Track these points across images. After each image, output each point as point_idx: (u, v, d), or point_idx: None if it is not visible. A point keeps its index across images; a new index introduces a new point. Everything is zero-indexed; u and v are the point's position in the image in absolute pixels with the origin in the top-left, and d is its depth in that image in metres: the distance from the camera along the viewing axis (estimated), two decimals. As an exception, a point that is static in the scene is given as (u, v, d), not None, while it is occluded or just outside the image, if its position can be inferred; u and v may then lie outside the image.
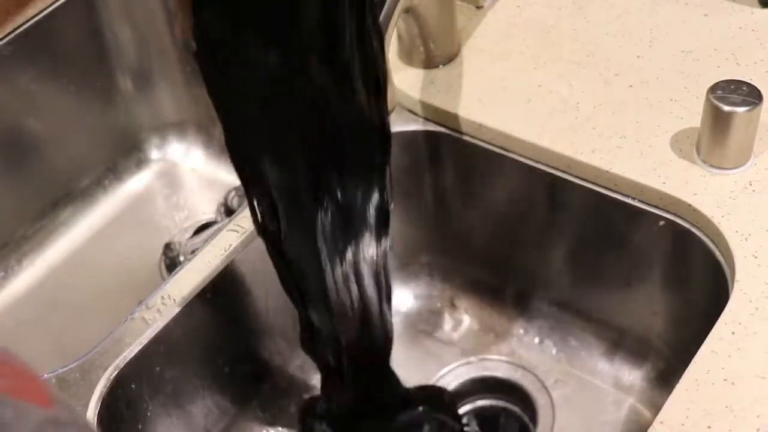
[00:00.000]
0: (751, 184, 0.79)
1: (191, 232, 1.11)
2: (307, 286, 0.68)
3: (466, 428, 0.80)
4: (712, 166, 0.81)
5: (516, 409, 0.96)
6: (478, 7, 0.97)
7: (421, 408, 0.81)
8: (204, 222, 1.13)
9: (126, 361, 0.76)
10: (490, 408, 0.98)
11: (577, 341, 0.97)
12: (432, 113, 0.90)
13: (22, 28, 1.03)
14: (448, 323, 1.01)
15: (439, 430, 0.80)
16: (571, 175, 0.85)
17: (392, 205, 0.66)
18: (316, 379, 0.95)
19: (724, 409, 0.66)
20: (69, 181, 1.14)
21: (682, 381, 0.68)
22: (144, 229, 1.13)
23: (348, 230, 0.64)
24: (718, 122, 0.78)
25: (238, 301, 0.86)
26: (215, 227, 1.05)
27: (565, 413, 0.93)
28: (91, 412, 0.73)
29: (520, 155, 0.87)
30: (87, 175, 1.15)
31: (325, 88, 0.58)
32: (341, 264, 0.65)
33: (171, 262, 1.07)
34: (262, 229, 0.65)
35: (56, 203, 1.13)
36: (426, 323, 1.02)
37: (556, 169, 0.85)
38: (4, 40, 1.02)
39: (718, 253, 0.78)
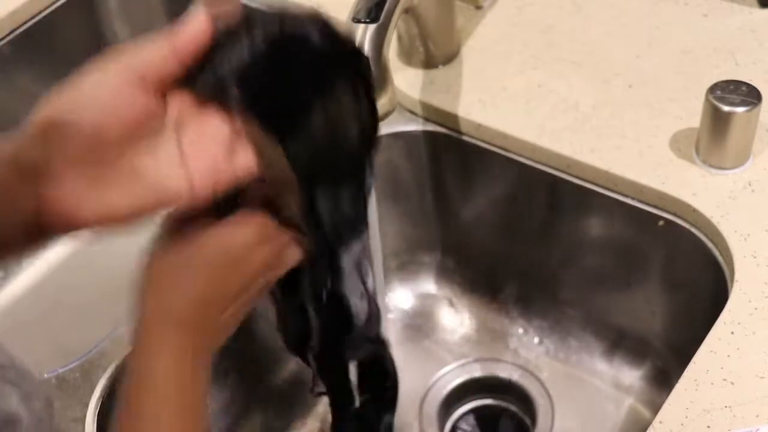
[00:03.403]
0: (750, 184, 0.80)
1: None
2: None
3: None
4: (711, 166, 0.81)
5: (516, 409, 0.97)
6: (478, 8, 0.98)
7: None
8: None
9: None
10: (490, 408, 0.98)
11: (577, 341, 0.98)
12: (432, 113, 0.90)
13: (22, 28, 1.03)
14: (448, 323, 1.02)
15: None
16: (570, 175, 0.85)
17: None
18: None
19: (724, 409, 0.66)
20: (69, 181, 1.14)
21: (681, 381, 0.68)
22: (144, 228, 1.13)
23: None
24: (717, 122, 0.78)
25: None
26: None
27: (564, 413, 0.93)
28: (91, 412, 0.73)
29: (520, 155, 0.87)
30: (87, 175, 1.15)
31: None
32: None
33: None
34: None
35: (56, 203, 1.13)
36: (426, 323, 1.02)
37: (556, 169, 0.85)
38: (4, 40, 1.02)
39: (717, 253, 0.78)
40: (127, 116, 0.52)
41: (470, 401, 0.98)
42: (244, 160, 0.54)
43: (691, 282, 0.85)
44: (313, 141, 0.56)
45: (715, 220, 0.78)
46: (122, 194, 0.52)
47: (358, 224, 0.63)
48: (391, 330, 1.00)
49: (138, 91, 0.52)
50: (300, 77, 0.56)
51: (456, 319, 1.02)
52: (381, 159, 0.91)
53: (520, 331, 0.99)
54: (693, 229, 0.80)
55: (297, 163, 0.56)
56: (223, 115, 0.54)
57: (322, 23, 0.56)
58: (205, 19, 0.54)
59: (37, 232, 0.52)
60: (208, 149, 0.53)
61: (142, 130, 0.52)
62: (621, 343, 0.95)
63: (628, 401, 0.93)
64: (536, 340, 0.99)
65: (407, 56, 0.93)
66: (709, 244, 0.79)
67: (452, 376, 0.98)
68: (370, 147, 0.61)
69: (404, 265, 1.03)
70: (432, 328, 1.02)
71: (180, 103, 0.54)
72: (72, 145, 0.51)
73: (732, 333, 0.70)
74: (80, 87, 0.52)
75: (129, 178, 0.52)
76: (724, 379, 0.67)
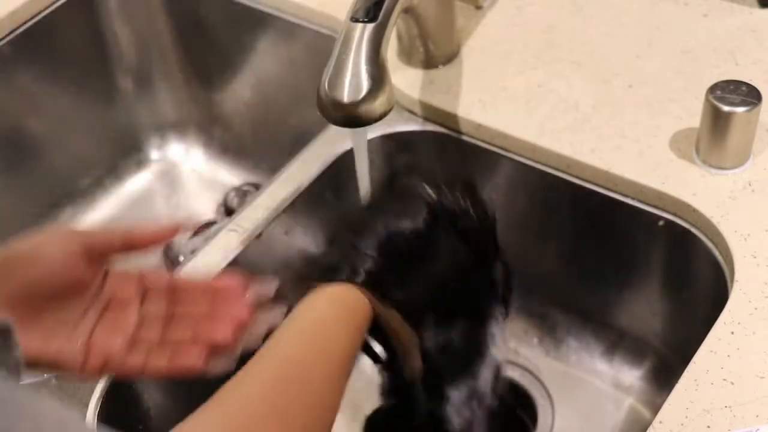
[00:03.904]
0: (750, 184, 0.80)
1: (192, 232, 1.11)
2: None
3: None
4: (711, 166, 0.81)
5: (516, 409, 0.96)
6: (478, 8, 0.98)
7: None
8: (204, 222, 1.13)
9: (126, 361, 0.76)
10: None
11: (577, 341, 0.98)
12: (431, 113, 0.90)
13: (22, 28, 1.03)
14: (447, 323, 1.01)
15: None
16: (570, 175, 0.85)
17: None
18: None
19: (724, 409, 0.66)
20: (69, 181, 1.14)
21: (681, 381, 0.68)
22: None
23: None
24: (717, 122, 0.78)
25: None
26: (215, 227, 1.05)
27: (564, 413, 0.93)
28: (91, 412, 0.73)
29: (520, 155, 0.87)
30: (87, 175, 1.15)
31: None
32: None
33: (171, 262, 1.07)
34: None
35: (56, 203, 1.13)
36: (426, 323, 1.02)
37: (556, 169, 0.85)
38: (4, 40, 1.02)
39: (717, 253, 0.78)
40: (67, 279, 0.60)
41: (470, 401, 0.97)
42: (137, 361, 0.62)
43: (691, 282, 0.85)
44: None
45: (715, 220, 0.77)
46: (32, 344, 0.58)
47: (470, 362, 0.72)
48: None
49: (83, 261, 0.60)
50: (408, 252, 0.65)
51: (456, 319, 1.02)
52: (380, 158, 0.92)
53: (520, 331, 0.99)
54: (693, 229, 0.80)
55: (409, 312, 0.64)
56: (137, 311, 0.63)
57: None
58: (163, 232, 0.65)
59: None
60: (113, 337, 0.61)
61: (75, 295, 0.60)
62: (621, 343, 0.95)
63: (628, 401, 0.93)
64: (536, 340, 0.99)
65: (407, 56, 0.93)
66: (709, 244, 0.79)
67: (452, 376, 0.97)
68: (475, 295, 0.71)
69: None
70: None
71: (115, 285, 0.63)
72: (12, 286, 0.58)
73: (732, 333, 0.70)
74: (39, 242, 0.60)
75: (44, 332, 0.59)
76: (724, 379, 0.67)
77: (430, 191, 0.68)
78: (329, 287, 0.61)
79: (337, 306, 0.61)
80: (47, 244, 0.60)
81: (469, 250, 0.68)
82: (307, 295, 0.61)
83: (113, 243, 0.62)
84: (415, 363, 0.66)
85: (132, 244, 0.63)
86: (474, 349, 0.71)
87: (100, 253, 0.61)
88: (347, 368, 0.58)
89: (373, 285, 0.62)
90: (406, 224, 0.65)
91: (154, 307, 0.63)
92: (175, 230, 0.65)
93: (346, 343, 0.59)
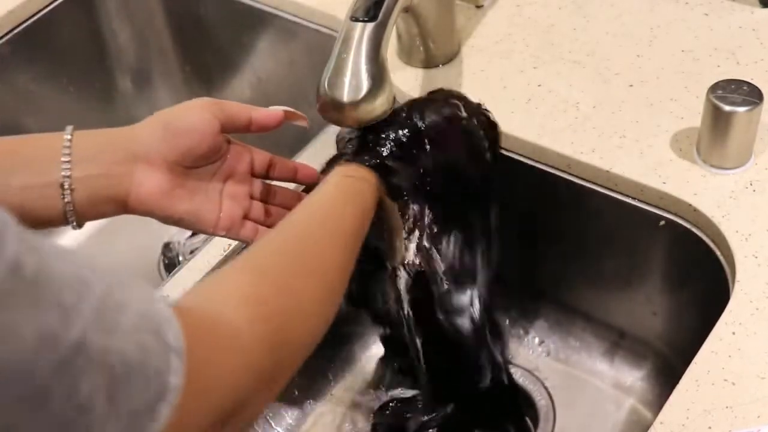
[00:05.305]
0: (751, 184, 0.79)
1: (190, 232, 1.11)
2: None
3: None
4: (712, 166, 0.80)
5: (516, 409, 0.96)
6: (478, 7, 0.97)
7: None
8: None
9: (125, 362, 0.76)
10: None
11: (577, 341, 0.97)
12: (432, 113, 0.90)
13: (21, 28, 1.03)
14: (447, 323, 1.01)
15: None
16: (571, 175, 0.84)
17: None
18: (320, 372, 0.95)
19: (725, 409, 0.66)
20: (68, 180, 1.13)
21: (682, 381, 0.68)
22: (143, 229, 1.13)
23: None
24: (718, 122, 0.78)
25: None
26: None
27: (565, 413, 0.93)
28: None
29: (520, 155, 0.86)
30: (86, 175, 1.15)
31: None
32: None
33: (170, 262, 1.07)
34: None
35: (55, 203, 1.12)
36: (426, 323, 1.01)
37: (556, 168, 0.85)
38: (3, 40, 1.02)
39: (718, 253, 0.78)
40: (208, 147, 0.68)
41: (470, 402, 0.97)
42: (249, 231, 0.71)
43: (692, 282, 0.84)
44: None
45: (716, 220, 0.77)
46: (181, 202, 0.68)
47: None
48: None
49: (219, 131, 0.68)
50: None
51: (456, 319, 1.01)
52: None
53: (520, 331, 0.99)
54: (694, 229, 0.80)
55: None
56: (249, 185, 0.72)
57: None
58: (279, 116, 0.72)
59: (121, 207, 0.68)
60: (236, 207, 0.71)
61: (210, 160, 0.69)
62: (622, 343, 0.95)
63: (629, 402, 0.93)
64: (536, 340, 0.99)
65: (407, 56, 0.93)
66: (711, 244, 0.78)
67: (452, 376, 0.97)
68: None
69: (404, 265, 1.03)
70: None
71: (232, 156, 0.71)
72: (167, 152, 0.66)
73: (733, 333, 0.70)
74: (187, 111, 0.68)
75: (189, 192, 0.68)
76: (725, 380, 0.67)
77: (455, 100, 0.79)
78: (341, 173, 0.70)
79: (345, 190, 0.69)
80: (195, 117, 0.68)
81: (477, 159, 0.78)
82: (325, 177, 0.70)
83: (240, 118, 0.70)
84: (397, 251, 0.76)
85: (254, 123, 0.71)
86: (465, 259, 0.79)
87: (230, 125, 0.69)
88: (354, 244, 0.66)
89: (381, 169, 0.71)
90: (428, 118, 0.75)
91: (258, 184, 0.73)
92: (290, 116, 0.73)
93: (353, 221, 0.67)
